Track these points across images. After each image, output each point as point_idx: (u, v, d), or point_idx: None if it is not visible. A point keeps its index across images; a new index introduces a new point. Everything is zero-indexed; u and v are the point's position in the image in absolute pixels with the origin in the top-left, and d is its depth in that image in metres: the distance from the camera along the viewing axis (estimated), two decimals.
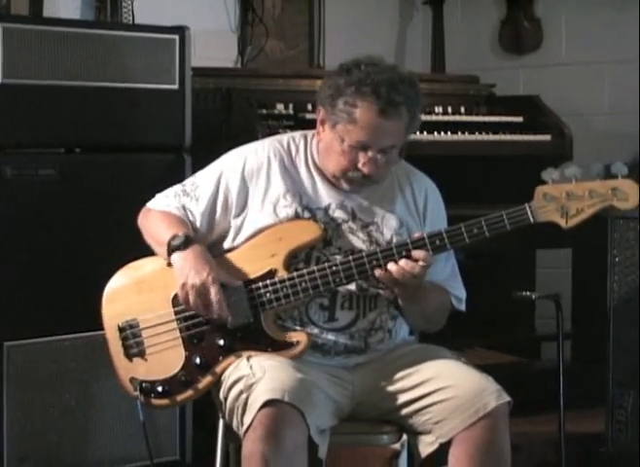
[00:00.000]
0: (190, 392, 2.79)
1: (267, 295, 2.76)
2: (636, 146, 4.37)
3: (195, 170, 3.02)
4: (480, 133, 4.27)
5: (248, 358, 2.73)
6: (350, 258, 2.74)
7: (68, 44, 3.35)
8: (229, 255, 2.84)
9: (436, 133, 4.17)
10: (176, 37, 3.53)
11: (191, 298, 2.74)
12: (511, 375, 3.38)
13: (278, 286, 2.76)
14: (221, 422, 2.85)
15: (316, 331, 2.79)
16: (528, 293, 3.56)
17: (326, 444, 2.66)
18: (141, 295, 2.83)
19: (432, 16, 4.99)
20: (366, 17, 4.92)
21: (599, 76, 4.78)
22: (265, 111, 3.98)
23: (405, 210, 2.88)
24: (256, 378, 2.64)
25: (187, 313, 2.78)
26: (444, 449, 2.69)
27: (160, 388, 2.78)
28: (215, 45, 4.37)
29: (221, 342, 2.77)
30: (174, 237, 2.78)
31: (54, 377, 3.39)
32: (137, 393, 2.78)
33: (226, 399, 2.72)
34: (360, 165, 2.75)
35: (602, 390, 3.57)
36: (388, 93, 2.69)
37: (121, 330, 2.82)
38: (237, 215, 2.84)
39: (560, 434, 3.36)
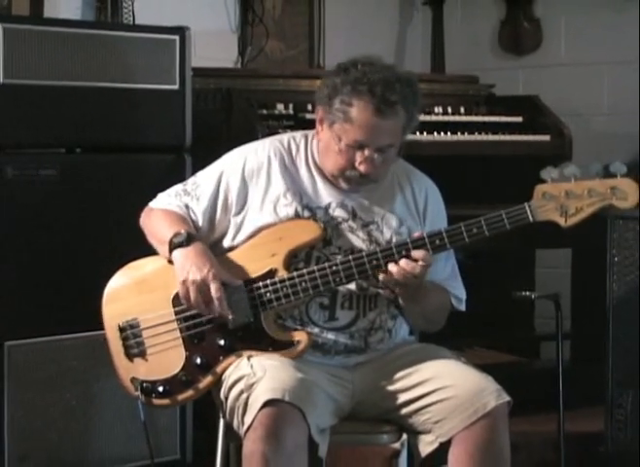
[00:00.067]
0: (190, 392, 2.79)
1: (268, 294, 2.77)
2: (635, 146, 4.38)
3: (195, 170, 3.03)
4: (480, 133, 4.27)
5: (249, 358, 2.74)
6: (350, 258, 2.75)
7: (69, 44, 3.36)
8: (229, 254, 2.84)
9: (435, 133, 4.17)
10: (176, 37, 3.53)
11: (191, 294, 2.74)
12: (510, 374, 3.39)
13: (278, 286, 2.76)
14: (221, 422, 2.85)
15: (316, 330, 2.80)
16: (528, 293, 3.56)
17: (326, 443, 2.67)
18: (141, 295, 2.84)
19: (432, 16, 4.99)
20: (366, 18, 4.93)
21: (598, 76, 4.79)
22: (265, 111, 3.98)
23: (405, 210, 2.88)
24: (256, 378, 2.64)
25: (187, 313, 2.79)
26: (443, 449, 2.69)
27: (160, 388, 2.79)
28: (215, 45, 4.37)
29: (221, 342, 2.78)
30: (176, 235, 2.78)
31: (55, 376, 3.39)
32: (138, 393, 2.79)
33: (226, 398, 2.72)
34: (357, 164, 2.76)
35: (601, 390, 3.57)
36: (383, 92, 2.69)
37: (121, 330, 2.83)
38: (237, 213, 2.85)
39: (560, 433, 3.37)
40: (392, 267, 2.71)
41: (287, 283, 2.76)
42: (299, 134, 2.93)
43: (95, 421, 3.46)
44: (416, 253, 2.71)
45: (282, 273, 2.77)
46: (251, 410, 2.58)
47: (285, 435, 2.53)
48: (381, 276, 2.73)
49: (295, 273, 2.76)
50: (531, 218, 2.70)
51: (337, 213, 2.84)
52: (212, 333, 2.78)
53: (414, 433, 2.76)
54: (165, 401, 2.81)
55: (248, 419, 2.58)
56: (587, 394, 3.67)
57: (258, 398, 2.58)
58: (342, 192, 2.85)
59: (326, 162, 2.83)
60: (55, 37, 3.33)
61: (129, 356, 2.83)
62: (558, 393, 3.32)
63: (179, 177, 3.17)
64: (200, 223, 2.87)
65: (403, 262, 2.70)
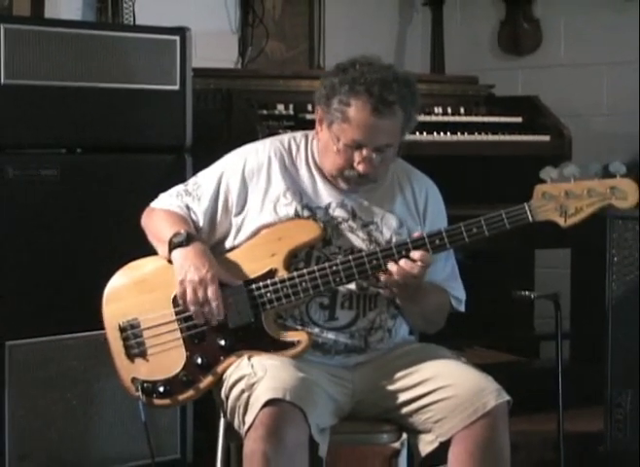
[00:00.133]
0: (191, 392, 2.80)
1: (268, 294, 2.77)
2: (635, 146, 4.38)
3: (195, 171, 3.03)
4: (480, 134, 4.27)
5: (249, 357, 2.74)
6: (350, 257, 2.75)
7: (69, 45, 3.36)
8: (229, 254, 2.85)
9: (435, 134, 4.17)
10: (177, 38, 3.54)
11: (188, 294, 2.74)
12: (510, 374, 3.40)
13: (279, 286, 2.77)
14: (222, 421, 2.85)
15: (317, 330, 2.80)
16: (527, 292, 3.56)
17: (326, 442, 2.67)
18: (142, 295, 2.84)
19: (431, 17, 4.99)
20: (366, 18, 4.93)
21: (598, 77, 4.79)
22: (265, 112, 3.98)
23: (405, 210, 2.89)
24: (257, 378, 2.64)
25: (187, 313, 2.79)
26: (443, 448, 2.70)
27: (161, 388, 2.79)
28: (216, 46, 4.37)
29: (222, 342, 2.78)
30: (176, 235, 2.79)
31: (55, 376, 3.40)
32: (139, 393, 2.79)
33: (227, 398, 2.72)
34: (355, 164, 2.76)
35: (601, 389, 3.57)
36: (381, 92, 2.70)
37: (122, 330, 2.83)
38: (238, 213, 2.85)
39: (559, 433, 3.37)
40: (391, 266, 2.71)
41: (287, 283, 2.76)
42: (299, 134, 2.94)
43: (96, 421, 3.47)
44: (416, 254, 2.71)
45: (282, 273, 2.78)
46: (252, 409, 2.58)
47: (286, 434, 2.54)
48: (381, 276, 2.73)
49: (295, 273, 2.77)
50: (531, 218, 2.70)
51: (337, 213, 2.84)
52: (213, 333, 2.79)
53: (414, 432, 2.77)
54: (166, 401, 2.81)
55: (249, 419, 2.58)
56: (587, 394, 3.67)
57: (259, 398, 2.58)
58: (342, 192, 2.85)
59: (325, 162, 2.84)
60: (56, 37, 3.34)
61: (130, 356, 2.83)
62: (558, 393, 3.32)
63: (179, 177, 3.18)
64: (201, 223, 2.87)
65: (402, 261, 2.71)
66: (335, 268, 2.75)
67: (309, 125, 3.13)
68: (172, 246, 2.79)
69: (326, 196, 2.85)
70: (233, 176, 2.87)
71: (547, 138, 4.34)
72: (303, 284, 2.75)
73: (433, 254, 2.73)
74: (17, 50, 3.27)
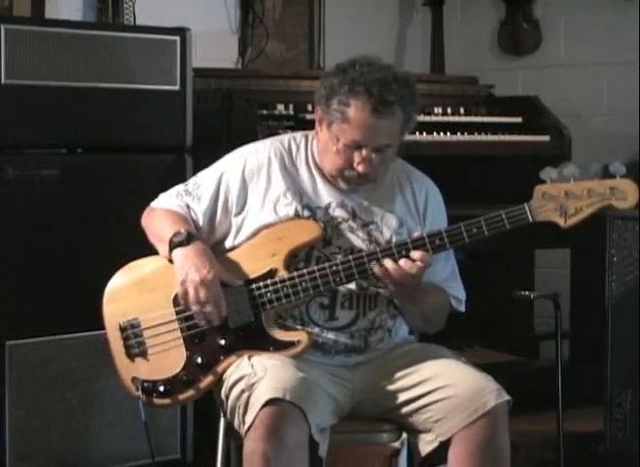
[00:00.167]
0: (191, 392, 2.80)
1: (268, 294, 2.77)
2: (635, 146, 4.38)
3: (195, 171, 3.03)
4: (480, 134, 4.28)
5: (249, 357, 2.74)
6: (350, 257, 2.76)
7: (70, 45, 3.36)
8: (229, 254, 2.85)
9: (435, 134, 4.17)
10: (177, 38, 3.54)
11: (189, 294, 2.75)
12: (510, 374, 3.41)
13: (279, 286, 2.77)
14: (222, 421, 2.85)
15: (317, 330, 2.80)
16: (527, 292, 3.57)
17: (326, 442, 2.67)
18: (142, 294, 2.84)
19: (431, 17, 5.00)
20: (366, 19, 4.93)
21: (598, 77, 4.79)
22: (265, 112, 3.98)
23: (405, 210, 2.89)
24: (257, 378, 2.65)
25: (188, 313, 2.79)
26: (443, 448, 2.70)
27: (161, 388, 2.79)
28: (216, 46, 4.37)
29: (222, 342, 2.78)
30: (176, 234, 2.79)
31: (55, 376, 3.40)
32: (139, 393, 2.79)
33: (227, 398, 2.73)
34: (355, 165, 2.77)
35: (600, 389, 3.57)
36: (380, 92, 2.70)
37: (122, 329, 2.83)
38: (238, 213, 2.86)
39: (559, 433, 3.37)
40: (390, 264, 2.71)
41: (287, 283, 2.77)
42: (299, 135, 2.94)
43: (96, 421, 3.47)
44: (416, 254, 2.71)
45: (282, 273, 2.78)
46: (252, 409, 2.59)
47: (286, 434, 2.54)
48: (376, 268, 2.72)
49: (295, 273, 2.77)
50: (531, 218, 2.70)
51: (337, 213, 2.84)
52: (213, 332, 2.79)
53: (414, 432, 2.77)
54: (166, 401, 2.81)
55: (249, 419, 2.58)
56: (587, 393, 3.68)
57: (259, 397, 2.58)
58: (342, 192, 2.85)
59: (325, 163, 2.84)
60: (57, 38, 3.34)
61: (130, 356, 2.83)
62: (557, 392, 3.32)
63: (179, 177, 3.18)
64: (201, 223, 2.88)
65: (402, 261, 2.71)
66: (335, 268, 2.75)
67: (309, 126, 3.14)
68: (173, 246, 2.79)
69: (326, 196, 2.85)
70: (233, 176, 2.87)
71: (546, 138, 4.34)
72: (303, 284, 2.76)
73: (433, 254, 2.74)
74: (18, 50, 3.27)
